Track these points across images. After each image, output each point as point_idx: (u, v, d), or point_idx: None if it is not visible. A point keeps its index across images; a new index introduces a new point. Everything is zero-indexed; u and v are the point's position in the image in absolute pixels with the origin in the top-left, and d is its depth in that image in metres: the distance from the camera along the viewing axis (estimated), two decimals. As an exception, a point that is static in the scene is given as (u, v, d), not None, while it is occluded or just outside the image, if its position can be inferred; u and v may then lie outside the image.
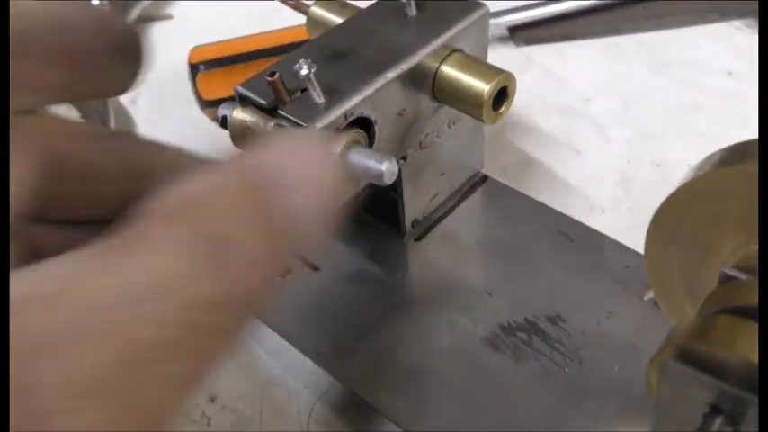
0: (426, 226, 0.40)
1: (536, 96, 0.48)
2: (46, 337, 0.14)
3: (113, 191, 0.23)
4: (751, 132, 0.26)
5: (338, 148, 0.30)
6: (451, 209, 0.40)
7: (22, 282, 0.15)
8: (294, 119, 0.30)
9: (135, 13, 0.54)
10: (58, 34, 0.21)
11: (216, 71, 0.46)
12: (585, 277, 0.36)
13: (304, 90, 0.31)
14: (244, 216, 0.17)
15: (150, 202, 0.17)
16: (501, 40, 0.53)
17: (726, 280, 0.24)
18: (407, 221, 0.39)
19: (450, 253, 0.39)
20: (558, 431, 0.31)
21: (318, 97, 0.30)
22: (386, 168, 0.30)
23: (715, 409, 0.21)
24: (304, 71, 0.30)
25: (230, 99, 0.38)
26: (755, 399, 0.21)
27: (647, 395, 0.24)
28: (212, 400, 0.36)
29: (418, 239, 0.39)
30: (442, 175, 0.39)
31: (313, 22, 0.39)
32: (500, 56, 0.44)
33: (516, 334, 0.34)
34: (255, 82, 0.32)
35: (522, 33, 0.52)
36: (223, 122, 0.33)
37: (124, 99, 0.50)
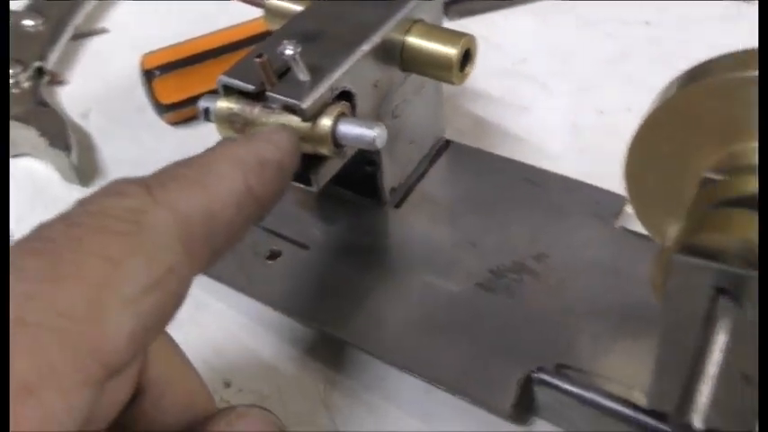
0: (403, 193, 0.42)
1: (479, 63, 0.51)
2: None
3: None
4: (674, 71, 0.29)
5: (329, 120, 0.32)
6: (423, 173, 0.43)
7: None
8: (285, 98, 0.32)
9: (69, 31, 0.54)
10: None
11: (172, 74, 0.46)
12: (558, 216, 0.39)
13: (284, 73, 0.33)
14: None
15: None
16: (433, 16, 0.55)
17: (706, 183, 0.27)
18: (386, 190, 0.41)
19: (430, 214, 0.41)
20: (567, 354, 0.33)
21: (304, 75, 0.32)
22: (377, 133, 0.32)
23: (720, 291, 0.25)
24: (289, 51, 0.31)
25: (193, 98, 0.39)
26: (755, 273, 0.24)
27: (654, 296, 0.27)
28: (227, 385, 0.37)
29: (398, 206, 0.41)
30: (411, 142, 0.41)
31: (272, 13, 0.40)
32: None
33: (507, 275, 0.37)
34: (236, 70, 0.33)
35: (455, 7, 0.55)
36: (206, 115, 0.34)
37: (74, 115, 0.50)
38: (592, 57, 0.51)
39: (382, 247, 0.40)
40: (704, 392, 0.22)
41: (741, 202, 0.25)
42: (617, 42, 0.51)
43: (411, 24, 0.36)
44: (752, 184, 0.25)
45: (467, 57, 0.37)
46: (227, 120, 0.33)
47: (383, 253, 0.39)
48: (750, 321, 0.24)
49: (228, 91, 0.33)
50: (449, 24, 0.54)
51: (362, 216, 0.41)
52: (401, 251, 0.40)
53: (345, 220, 0.41)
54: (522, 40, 0.53)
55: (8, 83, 0.18)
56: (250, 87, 0.32)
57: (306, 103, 0.31)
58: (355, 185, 0.41)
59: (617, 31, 0.52)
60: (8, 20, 0.18)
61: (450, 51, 0.35)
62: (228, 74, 0.33)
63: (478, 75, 0.51)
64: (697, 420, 0.22)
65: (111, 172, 0.47)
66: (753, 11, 0.53)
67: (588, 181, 0.41)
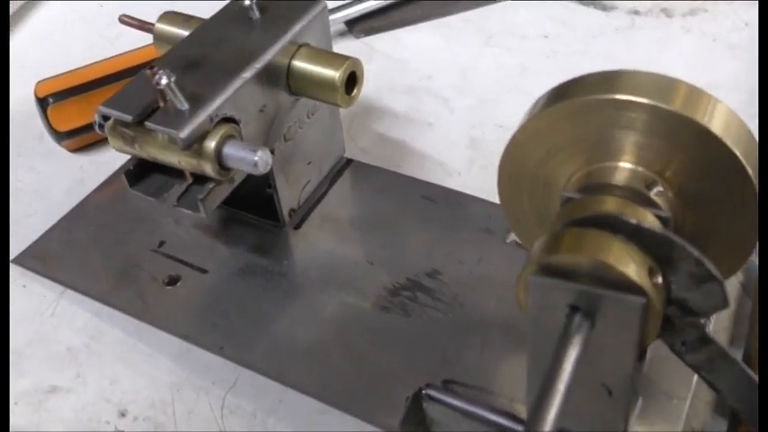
0: (303, 213, 0.42)
1: (382, 81, 0.52)
2: None
3: None
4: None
5: (213, 142, 0.32)
6: (324, 194, 0.43)
7: None
8: (163, 128, 0.32)
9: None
10: None
11: (67, 101, 0.46)
12: (453, 232, 0.40)
13: (164, 102, 0.33)
14: None
15: None
16: (341, 34, 0.56)
17: (566, 202, 0.28)
18: (284, 212, 0.41)
19: (330, 234, 0.41)
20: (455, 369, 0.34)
21: (181, 104, 0.32)
22: (259, 157, 0.32)
23: (574, 309, 0.25)
24: (164, 80, 0.31)
25: (90, 125, 0.38)
26: (605, 293, 0.25)
27: (521, 313, 0.28)
28: (123, 414, 0.36)
29: (297, 227, 0.42)
30: (309, 163, 0.42)
31: (160, 38, 0.40)
32: (343, 49, 0.47)
33: (401, 293, 0.38)
34: (116, 99, 0.33)
35: (360, 26, 0.55)
36: (100, 127, 0.34)
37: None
38: (492, 72, 0.52)
39: (281, 269, 0.40)
40: (553, 406, 0.23)
41: (593, 222, 0.25)
42: (516, 56, 0.53)
43: (296, 48, 0.37)
44: (605, 204, 0.26)
45: (353, 80, 0.37)
46: (117, 134, 0.33)
47: (281, 275, 0.40)
48: (602, 337, 0.25)
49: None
50: (355, 42, 0.55)
51: (262, 238, 0.41)
52: (300, 272, 0.40)
53: (245, 243, 0.41)
54: (426, 56, 0.54)
55: (8, 86, 0.18)
56: (128, 117, 0.32)
57: (184, 133, 0.32)
58: (255, 208, 0.42)
59: (517, 46, 0.53)
60: (8, 20, 0.17)
61: (334, 74, 0.36)
62: (107, 104, 0.33)
63: (384, 92, 0.52)
64: (545, 435, 0.22)
65: (12, 202, 0.46)
66: (646, 23, 0.54)
67: (490, 194, 0.42)
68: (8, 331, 0.17)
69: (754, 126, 0.45)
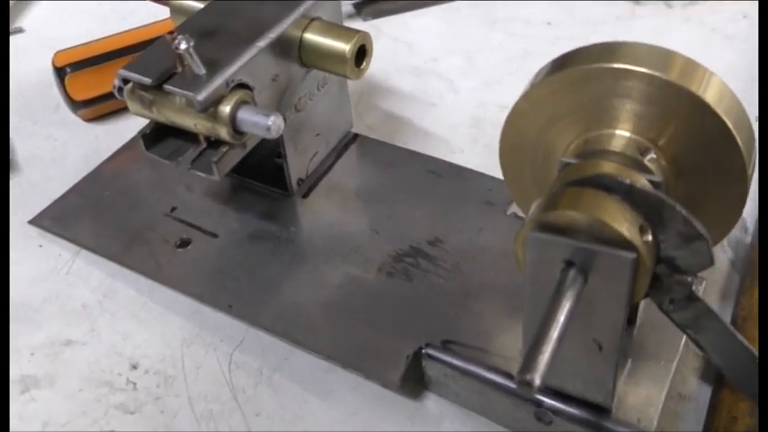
0: (311, 183, 0.43)
1: (390, 62, 0.53)
2: None
3: None
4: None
5: (228, 106, 0.34)
6: (331, 165, 0.44)
7: None
8: (181, 91, 0.33)
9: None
10: None
11: (84, 71, 0.47)
12: (455, 204, 0.42)
13: (182, 67, 0.34)
14: None
15: None
16: (350, 17, 0.57)
17: (564, 168, 0.29)
18: (293, 181, 0.42)
19: (336, 203, 0.43)
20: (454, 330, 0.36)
21: (199, 69, 0.34)
22: (272, 122, 0.33)
23: (569, 264, 0.27)
24: (183, 45, 0.33)
25: (106, 95, 0.40)
26: (600, 248, 0.26)
27: (518, 271, 0.29)
28: (134, 367, 0.38)
29: (305, 196, 0.43)
30: (318, 135, 0.43)
31: (176, 10, 0.41)
32: (352, 28, 0.49)
33: (404, 260, 0.39)
34: (136, 64, 0.35)
35: (368, 8, 0.57)
36: (119, 91, 0.36)
37: (-9, 111, 0.51)
38: (496, 55, 0.53)
39: (289, 235, 0.41)
40: (546, 353, 0.24)
41: (589, 182, 0.27)
42: (520, 42, 0.54)
43: (309, 22, 0.38)
44: (601, 167, 0.28)
45: (362, 53, 0.39)
46: (136, 97, 0.35)
47: (289, 241, 0.41)
48: (595, 292, 0.27)
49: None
50: (363, 24, 0.57)
51: (271, 205, 0.43)
52: (306, 239, 0.41)
53: (255, 210, 0.43)
54: (432, 39, 0.55)
55: (8, 84, 0.19)
56: (147, 80, 0.34)
57: (201, 96, 0.33)
58: (265, 177, 0.43)
59: (521, 31, 0.55)
60: (8, 20, 0.18)
61: (345, 47, 0.37)
62: (127, 67, 0.34)
63: (391, 72, 0.53)
64: (537, 378, 0.24)
65: (29, 168, 0.47)
66: (646, 11, 0.56)
67: (492, 170, 0.43)
68: (8, 329, 0.17)
69: (751, 115, 0.47)
